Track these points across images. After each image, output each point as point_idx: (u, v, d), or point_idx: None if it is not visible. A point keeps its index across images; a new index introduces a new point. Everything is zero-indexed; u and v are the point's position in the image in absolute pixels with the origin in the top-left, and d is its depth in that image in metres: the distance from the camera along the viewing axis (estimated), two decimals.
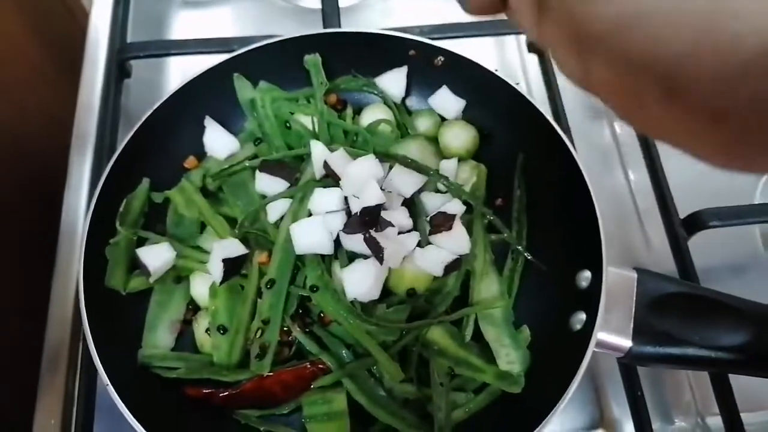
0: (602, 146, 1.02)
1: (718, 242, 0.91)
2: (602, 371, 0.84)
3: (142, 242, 0.79)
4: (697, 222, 0.85)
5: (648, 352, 0.67)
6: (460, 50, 0.86)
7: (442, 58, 0.87)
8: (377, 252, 0.72)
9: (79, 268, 0.71)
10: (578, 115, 1.02)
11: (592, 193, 0.74)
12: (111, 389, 0.65)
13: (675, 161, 0.91)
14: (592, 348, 0.67)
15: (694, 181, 0.96)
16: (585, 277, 0.73)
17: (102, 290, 0.74)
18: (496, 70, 0.84)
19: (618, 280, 0.70)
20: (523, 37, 1.07)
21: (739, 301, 0.69)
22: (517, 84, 0.83)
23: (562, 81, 0.98)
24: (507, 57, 1.09)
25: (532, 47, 1.04)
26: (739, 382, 0.76)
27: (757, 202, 0.96)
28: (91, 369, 0.67)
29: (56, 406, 0.79)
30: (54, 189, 0.94)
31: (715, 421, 0.78)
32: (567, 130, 0.91)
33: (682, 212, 0.88)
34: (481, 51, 0.94)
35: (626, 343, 0.67)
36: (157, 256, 0.76)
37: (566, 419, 0.82)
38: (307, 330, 0.75)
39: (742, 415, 0.74)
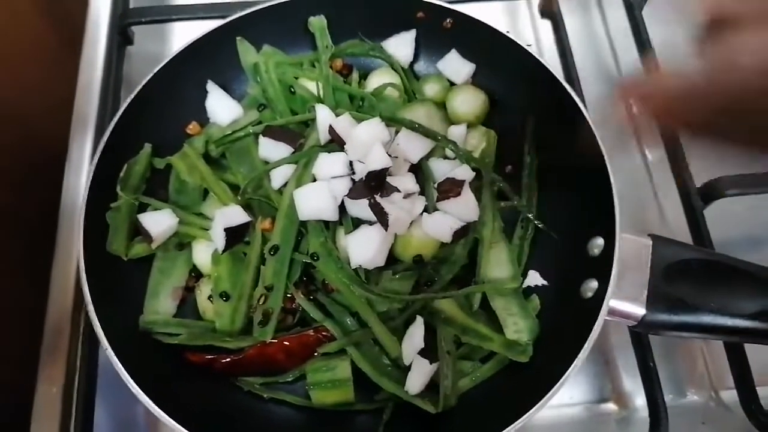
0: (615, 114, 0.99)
1: (734, 215, 0.88)
2: (614, 343, 0.82)
3: (143, 209, 0.77)
4: (714, 190, 0.82)
5: (662, 319, 0.65)
6: (470, 14, 0.83)
7: (452, 20, 0.84)
8: (382, 217, 0.70)
9: (78, 232, 0.69)
10: (592, 85, 0.99)
11: (606, 158, 0.71)
12: (110, 352, 0.64)
13: None
14: (603, 316, 0.65)
15: (711, 152, 0.94)
16: (597, 244, 0.71)
17: (103, 255, 0.73)
18: (508, 32, 0.81)
19: (631, 247, 0.67)
20: (535, 2, 1.03)
21: (756, 268, 0.66)
22: (529, 46, 0.80)
23: (576, 47, 0.95)
24: (519, 22, 1.06)
25: (545, 12, 1.01)
26: (754, 355, 0.74)
27: None
28: (94, 338, 0.66)
29: (59, 374, 0.79)
30: (56, 163, 0.93)
31: (729, 394, 0.77)
32: (581, 98, 0.88)
33: (699, 183, 0.84)
34: (491, 16, 0.91)
35: (639, 310, 0.65)
36: (159, 222, 0.75)
37: (576, 392, 0.80)
38: (311, 297, 0.74)
39: (758, 389, 0.72)
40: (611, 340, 0.83)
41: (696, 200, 0.83)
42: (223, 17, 0.83)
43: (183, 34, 1.02)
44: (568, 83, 0.88)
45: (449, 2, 0.86)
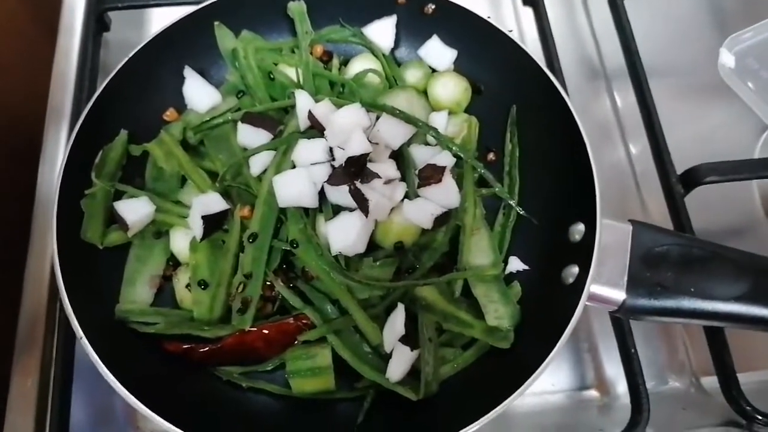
0: (598, 107, 0.99)
1: (716, 204, 0.89)
2: (596, 331, 0.83)
3: (120, 196, 0.76)
4: (694, 177, 0.82)
5: (642, 304, 0.65)
6: None
7: (433, 6, 0.84)
8: (362, 204, 0.69)
9: (51, 219, 0.68)
10: (574, 74, 0.99)
11: (587, 144, 0.71)
12: (85, 342, 0.63)
13: (673, 122, 0.88)
14: (584, 301, 0.65)
15: (693, 142, 0.94)
16: (578, 230, 0.71)
17: (78, 244, 0.71)
18: (489, 17, 0.81)
19: (612, 233, 0.67)
20: None
21: (735, 253, 0.67)
22: (511, 31, 0.80)
23: (558, 36, 0.94)
24: (501, 9, 1.05)
25: (527, 0, 1.00)
26: (735, 341, 0.74)
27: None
28: (70, 329, 0.65)
29: (34, 366, 0.77)
30: (33, 150, 0.91)
31: (710, 380, 0.77)
32: (562, 85, 0.88)
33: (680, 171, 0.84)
34: (473, 2, 0.91)
35: (620, 295, 0.65)
36: (135, 209, 0.73)
37: (559, 379, 0.81)
38: (291, 285, 0.73)
39: (738, 375, 0.72)
40: (593, 327, 0.83)
41: (677, 187, 0.83)
42: (200, 2, 0.82)
43: (161, 20, 0.99)
44: (550, 71, 0.88)
45: None
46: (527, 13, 1.00)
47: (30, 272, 0.82)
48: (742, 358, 0.76)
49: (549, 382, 0.80)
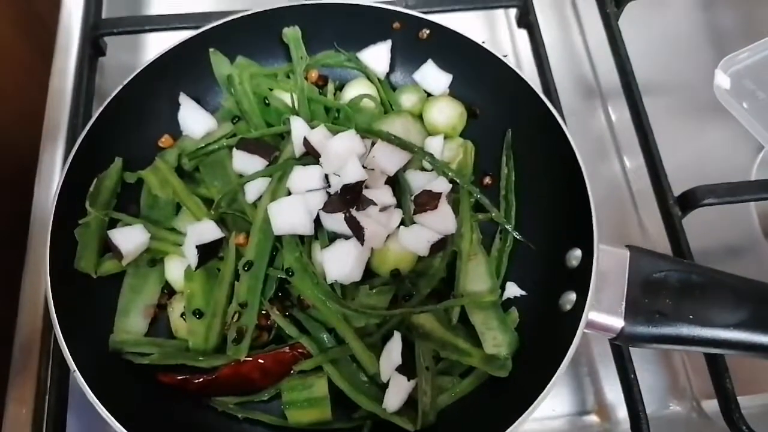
0: (595, 127, 0.99)
1: (714, 225, 0.88)
2: (596, 356, 0.82)
3: (114, 224, 0.75)
4: (691, 199, 0.81)
5: (641, 332, 0.64)
6: (448, 24, 0.83)
7: (428, 31, 0.84)
8: (358, 231, 0.69)
9: (45, 249, 0.67)
10: (570, 94, 0.99)
11: (583, 169, 0.71)
12: (78, 375, 0.62)
13: (669, 142, 0.88)
14: (582, 329, 0.64)
15: (689, 162, 0.94)
16: (575, 255, 0.70)
17: (71, 273, 0.71)
18: (484, 42, 0.81)
19: (609, 258, 0.67)
20: (512, 12, 1.03)
21: (735, 279, 0.66)
22: (505, 56, 0.80)
23: (553, 56, 0.95)
24: (497, 32, 1.06)
25: (522, 22, 1.00)
26: (735, 365, 0.74)
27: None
28: (64, 360, 0.64)
29: (28, 395, 0.77)
30: (27, 174, 0.91)
31: (711, 404, 0.76)
32: (558, 108, 0.88)
33: (677, 193, 0.84)
34: (469, 26, 0.91)
35: (618, 323, 0.64)
36: (130, 238, 0.73)
37: (559, 403, 0.80)
38: (287, 314, 0.72)
39: (739, 399, 0.71)
40: (593, 352, 0.82)
41: (674, 209, 0.82)
42: (196, 28, 0.82)
43: (157, 45, 1.00)
44: (545, 93, 0.88)
45: (426, 13, 0.85)
46: (522, 34, 1.00)
47: (25, 299, 0.82)
48: (743, 382, 0.75)
49: (549, 408, 0.79)
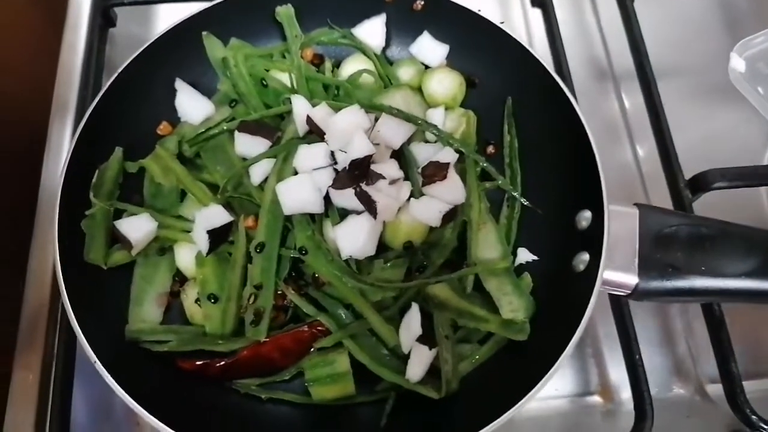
0: (606, 108, 0.99)
1: (725, 210, 0.87)
2: (601, 337, 0.83)
3: (119, 215, 0.74)
4: (702, 182, 0.81)
5: (655, 287, 0.65)
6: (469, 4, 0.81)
7: (422, 2, 0.83)
8: (370, 206, 0.69)
9: (54, 246, 0.66)
10: (582, 76, 0.99)
11: (587, 130, 0.71)
12: (99, 366, 0.61)
13: (681, 126, 0.88)
14: (598, 287, 0.65)
15: (701, 146, 0.93)
16: (585, 216, 0.71)
17: (82, 265, 0.70)
18: (479, 10, 0.80)
19: (619, 217, 0.67)
20: None
21: (744, 229, 0.67)
22: (502, 23, 0.79)
23: (566, 36, 0.94)
24: (511, 12, 1.05)
25: (536, 1, 0.99)
26: (741, 349, 0.74)
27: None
28: (71, 328, 0.63)
29: (36, 361, 0.77)
30: (38, 147, 0.90)
31: (715, 388, 0.77)
32: (570, 88, 0.87)
33: (688, 176, 0.83)
34: (484, 5, 0.89)
35: (632, 279, 0.65)
36: (137, 227, 0.72)
37: (563, 384, 0.81)
38: (303, 293, 0.72)
39: (744, 383, 0.72)
40: (599, 333, 0.83)
41: (685, 192, 0.82)
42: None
43: (167, 16, 1.00)
44: (558, 73, 0.88)
45: None
46: (536, 14, 0.99)
47: (32, 270, 0.82)
48: (749, 366, 0.77)
49: (553, 387, 0.80)
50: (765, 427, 0.71)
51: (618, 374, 0.80)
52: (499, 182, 0.78)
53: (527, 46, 0.78)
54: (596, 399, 0.81)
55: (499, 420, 0.60)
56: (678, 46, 1.03)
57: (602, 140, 0.91)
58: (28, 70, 1.00)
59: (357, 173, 0.70)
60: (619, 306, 0.78)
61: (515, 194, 0.78)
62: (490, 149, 0.83)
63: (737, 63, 0.92)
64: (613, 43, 1.03)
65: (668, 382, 0.81)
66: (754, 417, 0.71)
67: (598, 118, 0.97)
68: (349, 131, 0.71)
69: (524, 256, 0.76)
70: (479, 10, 0.81)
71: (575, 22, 1.06)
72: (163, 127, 0.80)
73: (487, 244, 0.75)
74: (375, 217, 0.69)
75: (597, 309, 0.83)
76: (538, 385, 0.61)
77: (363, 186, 0.69)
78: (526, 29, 1.04)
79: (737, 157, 0.84)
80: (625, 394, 0.77)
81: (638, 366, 0.73)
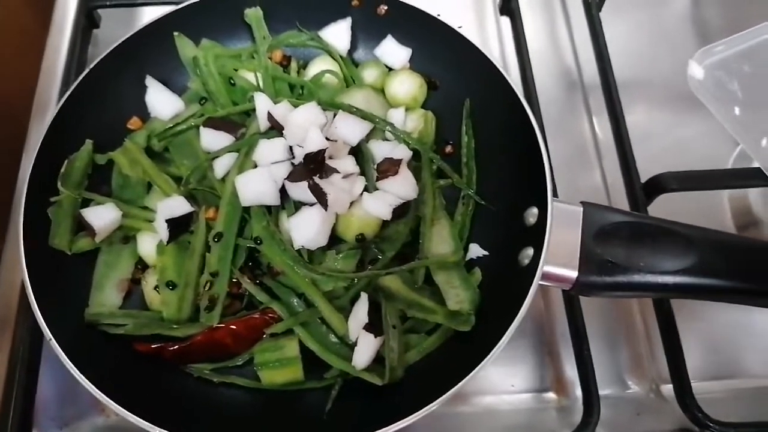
0: (575, 119, 1.01)
1: (687, 217, 0.90)
2: (557, 334, 0.85)
3: (87, 204, 0.77)
4: (656, 186, 0.83)
5: (594, 281, 0.67)
6: (433, 10, 0.84)
7: (385, 7, 0.87)
8: (321, 198, 0.71)
9: (18, 228, 0.69)
10: (551, 86, 1.02)
11: (537, 132, 0.74)
12: (54, 343, 0.64)
13: (648, 133, 0.90)
14: (537, 280, 0.67)
15: (667, 154, 0.96)
16: (532, 213, 0.73)
17: (47, 250, 0.73)
18: (439, 15, 0.84)
19: (564, 214, 0.69)
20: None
21: (683, 227, 0.69)
22: (460, 27, 0.82)
23: (537, 46, 0.97)
24: (484, 20, 1.08)
25: (504, 9, 1.03)
26: (691, 351, 0.77)
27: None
28: (38, 328, 0.66)
29: (5, 343, 0.80)
30: (19, 141, 0.94)
31: (669, 388, 0.78)
32: (534, 97, 0.91)
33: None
34: (457, 11, 0.91)
35: (572, 273, 0.67)
36: (102, 216, 0.75)
37: (518, 380, 0.83)
38: (258, 281, 0.75)
39: (693, 384, 0.75)
40: (555, 331, 0.85)
41: (640, 194, 0.84)
42: (179, 3, 0.84)
43: (149, 18, 1.02)
44: (522, 81, 0.92)
45: None
46: (507, 23, 1.02)
47: (7, 257, 0.86)
48: (698, 368, 0.79)
49: (509, 384, 0.82)
50: (711, 425, 0.72)
51: (573, 372, 0.80)
52: (453, 180, 0.80)
53: (483, 51, 0.80)
54: (551, 395, 0.82)
55: (435, 403, 0.62)
56: (647, 56, 1.06)
57: (570, 152, 0.95)
58: (17, 65, 1.04)
59: (312, 167, 0.72)
60: (570, 301, 0.80)
61: (469, 192, 0.80)
62: (449, 149, 0.85)
63: (696, 71, 0.94)
64: (583, 55, 1.05)
65: (624, 380, 0.83)
66: (700, 415, 0.73)
67: (566, 129, 0.99)
68: (305, 126, 0.74)
69: (475, 251, 0.78)
70: (438, 15, 0.84)
71: (546, 32, 1.08)
72: (134, 122, 0.84)
73: (440, 239, 0.78)
74: (326, 209, 0.71)
75: (554, 307, 0.87)
76: (475, 370, 0.63)
77: (316, 179, 0.72)
78: (498, 36, 1.07)
79: (703, 165, 0.86)
80: (580, 390, 0.78)
81: (587, 361, 0.75)
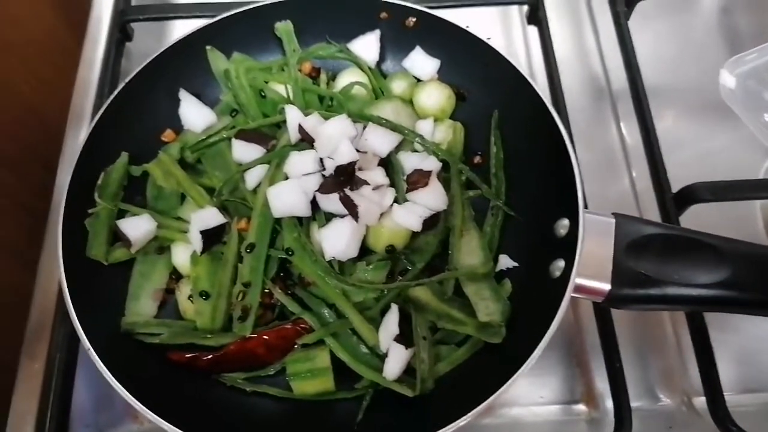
0: (604, 126, 1.00)
1: (718, 226, 0.88)
2: (588, 345, 0.84)
3: (123, 215, 0.79)
4: (688, 196, 0.82)
5: (627, 294, 0.67)
6: (461, 22, 0.85)
7: (414, 19, 0.87)
8: (352, 210, 0.72)
9: (56, 238, 0.71)
10: (579, 94, 1.02)
11: (567, 142, 0.73)
12: (92, 353, 0.65)
13: (678, 143, 0.88)
14: (570, 293, 0.67)
15: (698, 164, 0.95)
16: (563, 225, 0.73)
17: (84, 260, 0.75)
18: (468, 27, 0.84)
19: (595, 225, 0.69)
20: (525, 8, 1.05)
21: (717, 239, 0.68)
22: (489, 39, 0.83)
23: (565, 54, 0.97)
24: (511, 29, 1.09)
25: (531, 18, 1.03)
26: (724, 363, 0.76)
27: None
28: (75, 335, 0.68)
29: (42, 351, 0.82)
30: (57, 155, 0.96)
31: (701, 401, 0.78)
32: (563, 104, 0.91)
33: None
34: (484, 21, 0.91)
35: (605, 286, 0.67)
36: (137, 227, 0.77)
37: (547, 392, 0.82)
38: (289, 292, 0.75)
39: (727, 397, 0.73)
40: (585, 342, 0.84)
41: (671, 205, 0.83)
42: (214, 16, 0.86)
43: (180, 32, 1.04)
44: (551, 90, 0.92)
45: (433, 8, 0.87)
46: (535, 32, 1.02)
47: (43, 264, 0.88)
48: (733, 380, 0.78)
49: (538, 395, 0.82)
50: None
51: (604, 383, 0.80)
52: (483, 190, 0.81)
53: (511, 61, 0.81)
54: (581, 407, 0.82)
55: (466, 416, 0.62)
56: (677, 65, 1.05)
57: (598, 160, 0.94)
58: (56, 81, 1.07)
59: (342, 179, 0.73)
60: (602, 314, 0.79)
61: (498, 202, 0.81)
62: (477, 159, 0.86)
63: (727, 79, 0.93)
64: (611, 62, 1.04)
65: (655, 392, 0.82)
66: (734, 428, 0.71)
67: (594, 137, 0.98)
68: (336, 138, 0.75)
69: (505, 262, 0.78)
70: (467, 27, 0.84)
71: (574, 40, 1.08)
72: (168, 134, 0.85)
73: (469, 250, 0.78)
74: (357, 221, 0.72)
75: (584, 318, 0.86)
76: (505, 385, 0.63)
77: (347, 191, 0.73)
78: (525, 46, 1.07)
79: (733, 175, 0.84)
80: (610, 402, 0.77)
81: (619, 373, 0.75)
